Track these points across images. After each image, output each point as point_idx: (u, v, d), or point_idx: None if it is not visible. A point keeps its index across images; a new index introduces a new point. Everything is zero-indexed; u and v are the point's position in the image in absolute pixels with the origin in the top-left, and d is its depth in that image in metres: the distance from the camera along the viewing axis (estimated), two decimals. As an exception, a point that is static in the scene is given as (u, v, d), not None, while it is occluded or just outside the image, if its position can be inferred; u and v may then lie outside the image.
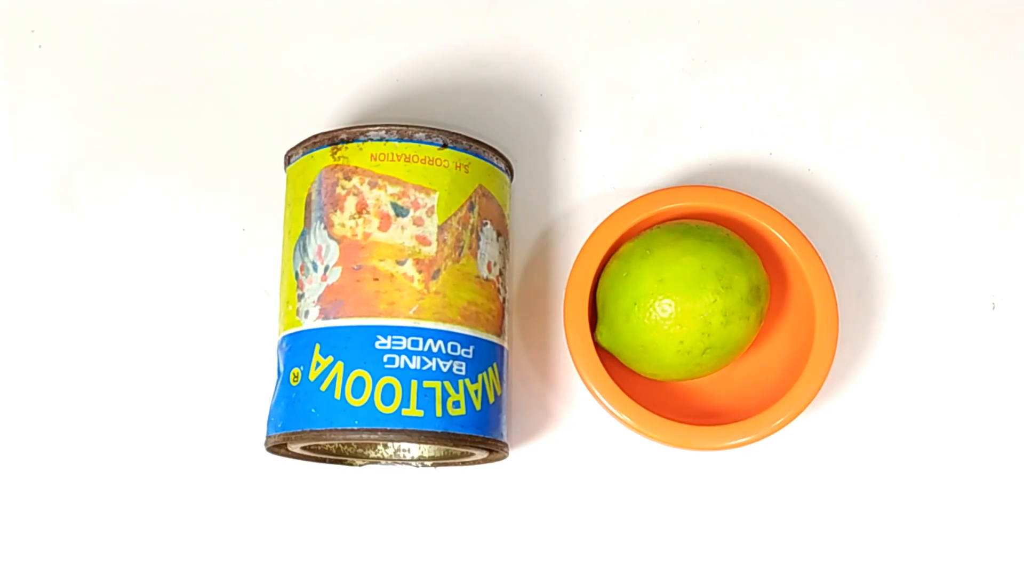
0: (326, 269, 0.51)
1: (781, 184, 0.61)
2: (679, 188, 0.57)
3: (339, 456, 0.56)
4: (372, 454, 0.57)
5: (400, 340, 0.50)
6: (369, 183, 0.51)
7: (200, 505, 0.57)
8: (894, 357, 0.59)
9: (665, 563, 0.57)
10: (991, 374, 0.59)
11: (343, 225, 0.51)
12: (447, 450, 0.56)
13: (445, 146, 0.52)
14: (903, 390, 0.59)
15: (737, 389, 0.57)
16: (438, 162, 0.52)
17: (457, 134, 0.53)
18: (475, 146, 0.53)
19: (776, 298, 0.58)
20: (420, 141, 0.52)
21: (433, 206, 0.51)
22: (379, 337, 0.50)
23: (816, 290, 0.55)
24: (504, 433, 0.53)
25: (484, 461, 0.55)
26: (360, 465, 0.57)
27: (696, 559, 0.57)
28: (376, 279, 0.50)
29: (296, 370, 0.51)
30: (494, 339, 0.53)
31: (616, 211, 0.56)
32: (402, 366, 0.50)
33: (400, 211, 0.51)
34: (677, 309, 0.53)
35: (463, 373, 0.51)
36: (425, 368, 0.50)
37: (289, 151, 0.54)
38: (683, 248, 0.53)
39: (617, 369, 0.56)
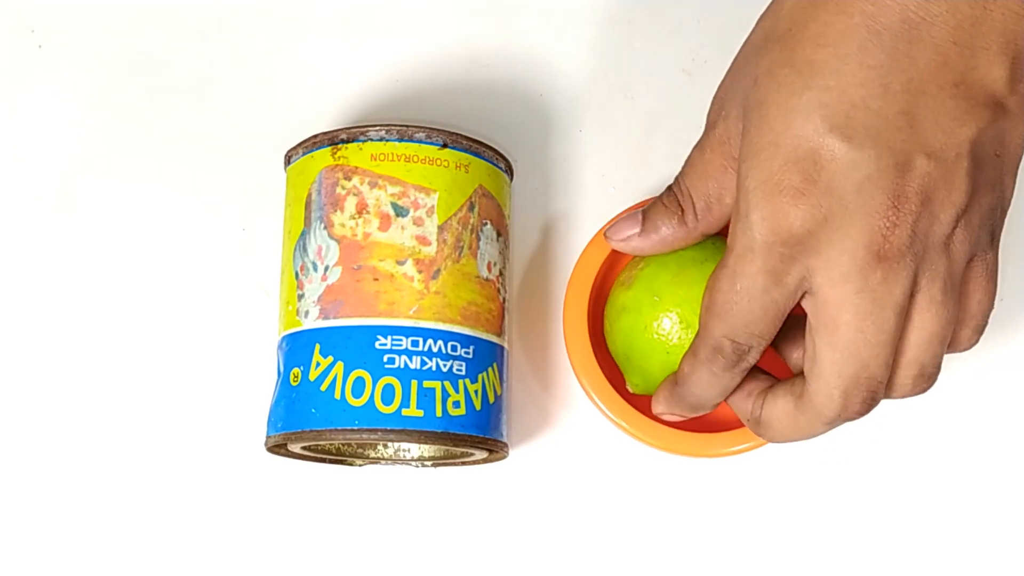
0: (326, 269, 0.51)
1: (781, 184, 0.61)
2: (679, 188, 0.57)
3: (339, 456, 0.56)
4: (372, 454, 0.57)
5: (400, 340, 0.50)
6: (369, 183, 0.51)
7: (200, 505, 0.57)
8: (894, 357, 0.59)
9: (664, 566, 0.57)
10: (991, 374, 0.59)
11: (343, 225, 0.51)
12: (447, 450, 0.56)
13: (445, 146, 0.52)
14: (903, 390, 0.59)
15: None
16: (438, 162, 0.52)
17: (457, 134, 0.52)
18: (475, 146, 0.53)
19: (776, 298, 0.57)
20: (420, 141, 0.52)
21: (433, 206, 0.51)
22: (379, 337, 0.50)
23: (816, 290, 0.55)
24: (504, 433, 0.53)
25: (484, 461, 0.55)
26: (360, 465, 0.57)
27: (695, 563, 0.57)
28: (376, 279, 0.50)
29: (296, 370, 0.51)
30: (494, 339, 0.53)
31: (619, 215, 0.56)
32: (402, 366, 0.50)
33: (400, 211, 0.51)
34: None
35: (463, 373, 0.51)
36: (425, 368, 0.50)
37: (289, 151, 0.54)
38: (687, 280, 0.51)
39: (617, 371, 0.56)
